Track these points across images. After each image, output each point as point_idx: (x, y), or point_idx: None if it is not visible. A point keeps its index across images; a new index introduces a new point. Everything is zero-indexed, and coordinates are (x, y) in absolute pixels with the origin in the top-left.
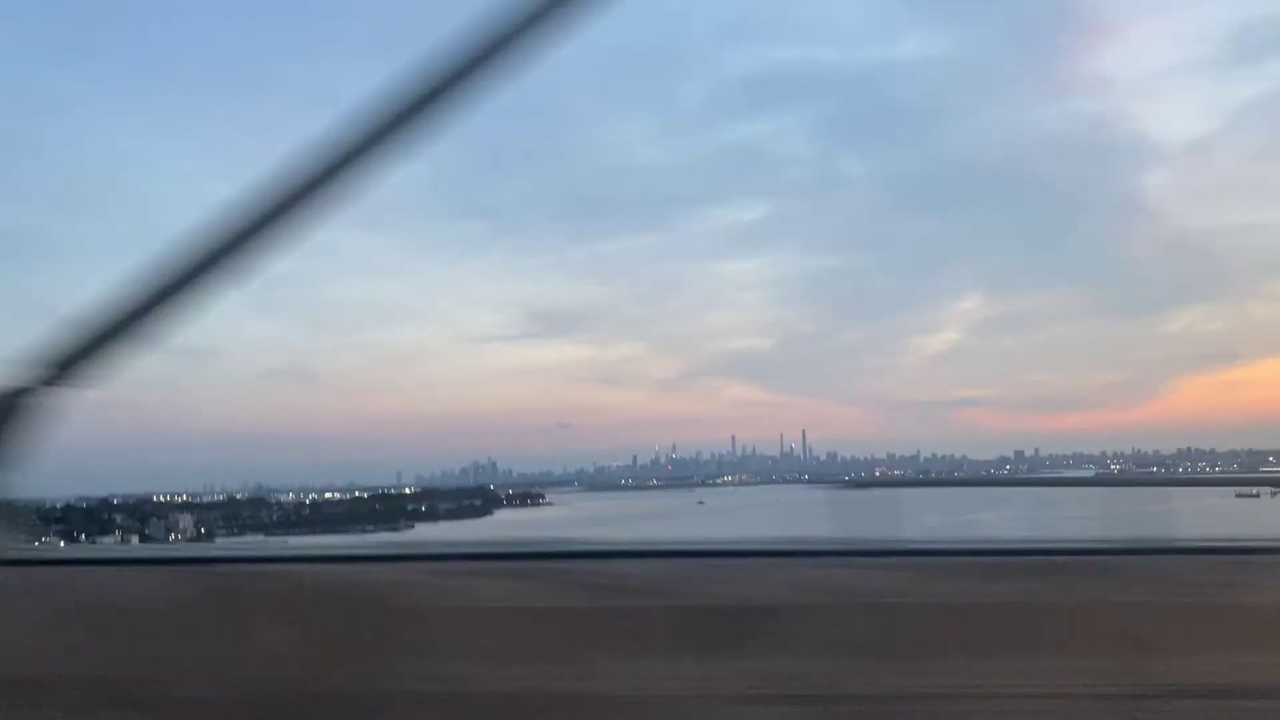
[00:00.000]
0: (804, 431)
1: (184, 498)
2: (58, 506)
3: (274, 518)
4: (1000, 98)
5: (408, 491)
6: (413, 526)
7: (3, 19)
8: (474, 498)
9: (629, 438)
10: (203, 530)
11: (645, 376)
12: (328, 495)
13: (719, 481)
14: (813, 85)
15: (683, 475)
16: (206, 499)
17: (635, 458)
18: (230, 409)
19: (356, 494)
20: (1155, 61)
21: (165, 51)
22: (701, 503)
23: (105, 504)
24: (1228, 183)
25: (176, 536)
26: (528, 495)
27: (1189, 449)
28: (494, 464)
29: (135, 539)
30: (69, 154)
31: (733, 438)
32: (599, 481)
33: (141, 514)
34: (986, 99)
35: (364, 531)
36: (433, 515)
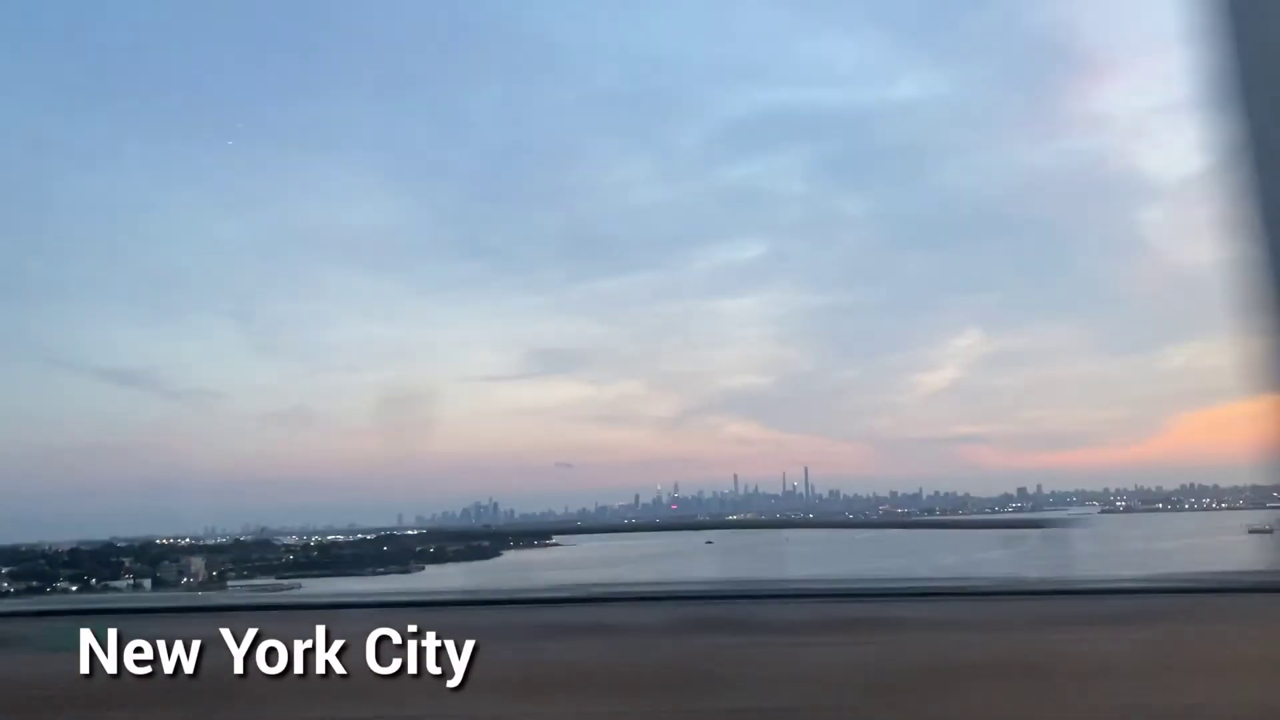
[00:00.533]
0: (806, 469)
1: (186, 540)
2: (63, 551)
3: (283, 560)
4: (997, 136)
5: (412, 533)
6: (423, 568)
7: (15, 68)
8: (480, 539)
9: (629, 477)
10: (214, 574)
11: (645, 415)
12: (331, 537)
13: (727, 521)
14: (810, 126)
15: (686, 515)
16: (208, 541)
17: (637, 497)
18: (230, 452)
19: (361, 535)
20: (1150, 99)
21: (166, 96)
22: (710, 542)
23: (109, 547)
24: (1223, 218)
25: (188, 580)
26: (534, 536)
27: (1192, 485)
28: (495, 504)
29: (148, 583)
30: (68, 197)
31: (735, 476)
32: (603, 521)
33: (150, 557)
34: (983, 137)
35: (374, 574)
36: (441, 557)
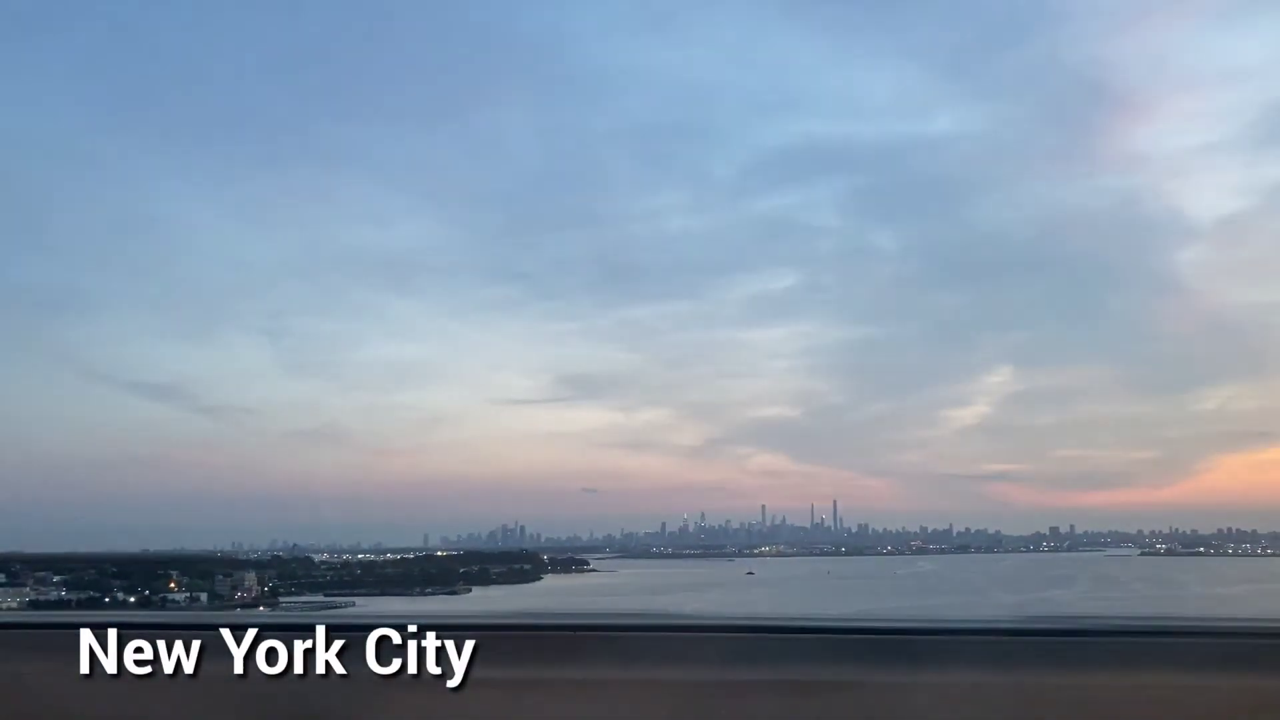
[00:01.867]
0: (835, 502)
1: (219, 553)
2: (109, 563)
3: (326, 577)
4: (1032, 173)
5: (451, 554)
6: (469, 590)
7: (42, 79)
8: (519, 562)
9: (654, 504)
10: (264, 589)
11: (671, 443)
12: (361, 555)
13: (756, 552)
14: (844, 158)
15: (715, 544)
16: (238, 555)
17: (664, 525)
18: (258, 468)
19: (390, 555)
20: (1188, 139)
21: (200, 114)
22: (751, 573)
23: (156, 559)
24: (1262, 260)
25: (241, 595)
26: (571, 561)
27: (1230, 529)
28: (522, 528)
29: (204, 597)
30: (105, 212)
31: (763, 507)
32: (630, 548)
33: (198, 571)
34: (1018, 174)
35: (422, 594)
36: (484, 579)
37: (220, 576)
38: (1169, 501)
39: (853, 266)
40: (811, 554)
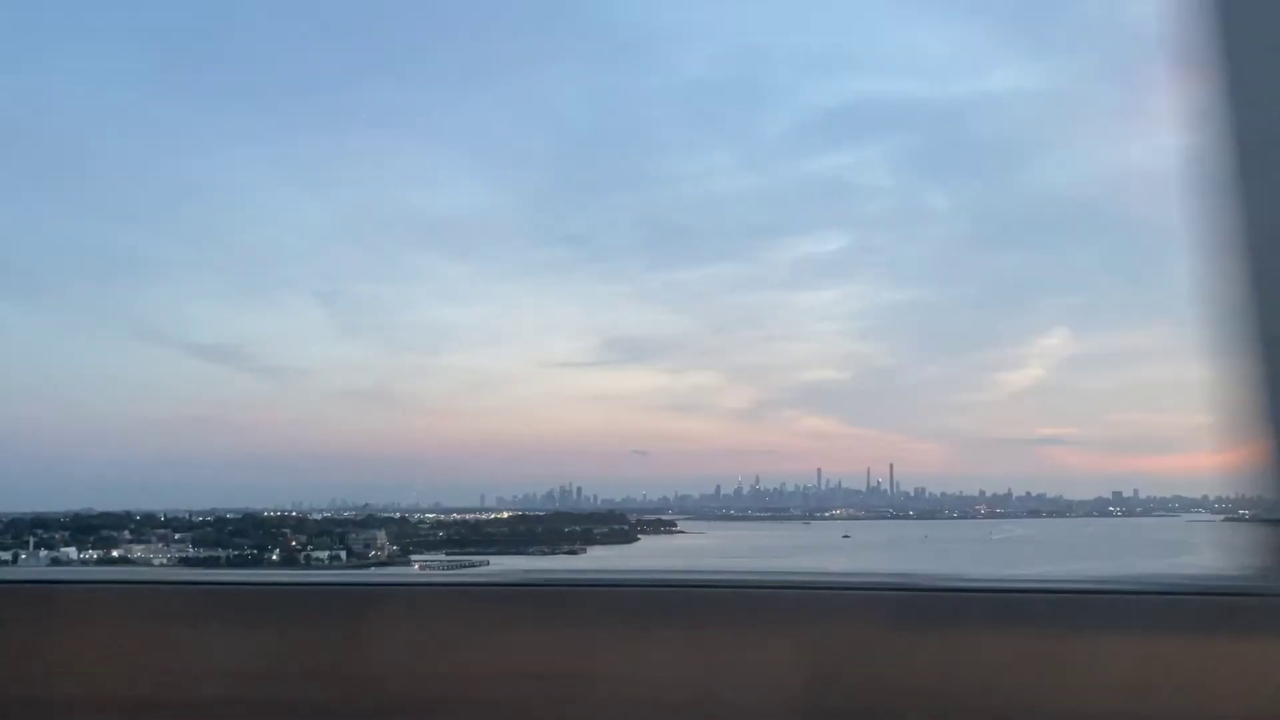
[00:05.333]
0: (891, 466)
1: (294, 514)
2: (224, 523)
3: (436, 537)
4: (1091, 131)
5: (541, 514)
6: (585, 550)
7: (99, 43)
8: (611, 523)
9: (704, 466)
10: (395, 548)
11: (719, 406)
12: (430, 515)
13: (828, 515)
14: (899, 117)
15: (770, 507)
16: (314, 516)
17: (719, 487)
18: (314, 429)
19: (457, 515)
20: None
21: (257, 76)
22: (847, 536)
23: (267, 519)
24: None
25: (375, 554)
26: (659, 523)
27: None
28: (578, 489)
29: (343, 555)
30: (162, 176)
31: (818, 471)
32: (687, 509)
33: (311, 530)
34: (1077, 133)
35: (541, 553)
36: (588, 539)
37: (353, 535)
38: (1223, 466)
39: (905, 228)
40: (873, 518)
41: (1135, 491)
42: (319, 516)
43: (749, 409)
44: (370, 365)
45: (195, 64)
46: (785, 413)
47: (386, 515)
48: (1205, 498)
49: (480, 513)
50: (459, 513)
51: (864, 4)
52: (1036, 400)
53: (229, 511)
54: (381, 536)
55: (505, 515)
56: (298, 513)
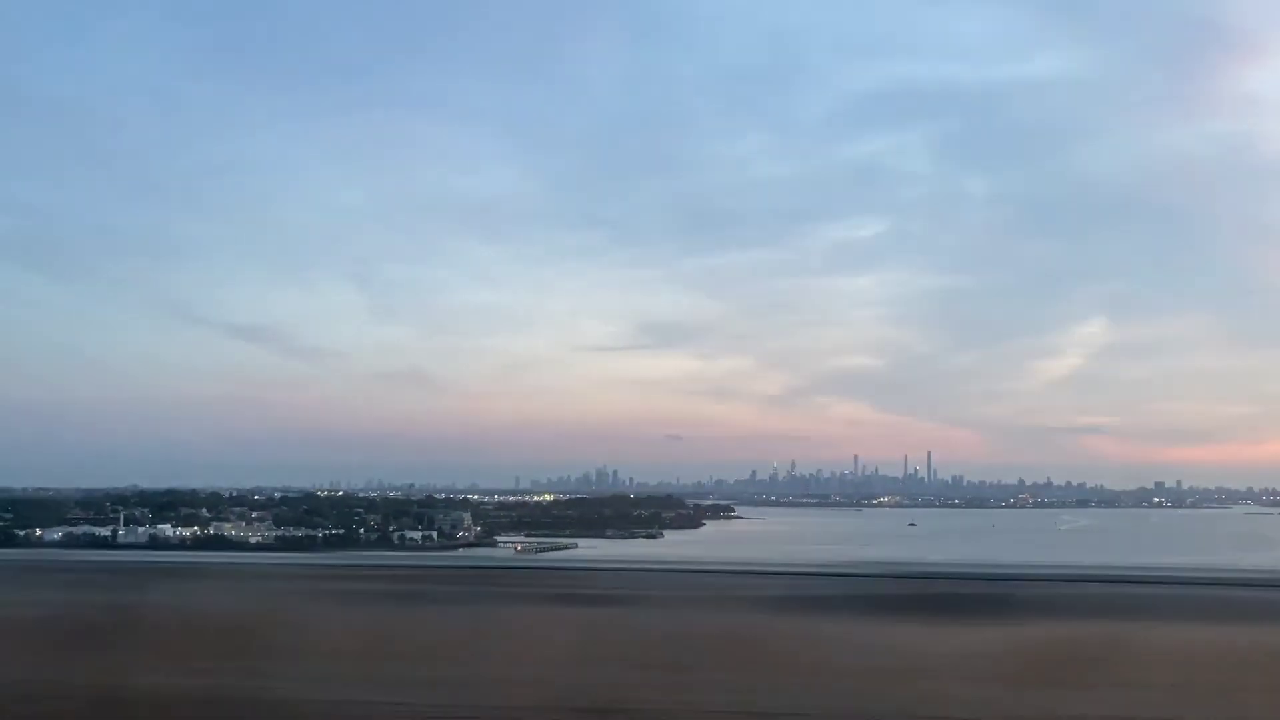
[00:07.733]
0: (929, 454)
1: (339, 492)
2: (299, 502)
3: (504, 518)
4: (1133, 118)
5: (607, 497)
6: (662, 534)
7: (139, 27)
8: (673, 508)
9: (739, 451)
10: (477, 529)
11: (752, 392)
12: (466, 495)
13: (875, 502)
14: (938, 102)
15: (805, 492)
16: (358, 494)
17: (754, 472)
18: (347, 409)
19: (498, 496)
20: None
21: (291, 60)
22: (913, 524)
23: (311, 497)
24: None
25: (463, 534)
26: (718, 508)
27: None
28: (614, 473)
29: (435, 535)
30: (201, 158)
31: (855, 457)
32: (724, 494)
33: (391, 510)
34: (1118, 119)
35: (620, 536)
36: (658, 523)
37: (440, 516)
38: (1264, 458)
39: (943, 214)
40: (918, 505)
41: (1178, 483)
42: (392, 496)
43: (782, 395)
44: (404, 347)
45: (236, 45)
46: (818, 399)
47: (450, 496)
48: (1250, 489)
49: (516, 494)
50: (498, 494)
51: None
52: (1072, 389)
53: (276, 490)
54: (468, 518)
55: (549, 498)
56: (327, 490)
